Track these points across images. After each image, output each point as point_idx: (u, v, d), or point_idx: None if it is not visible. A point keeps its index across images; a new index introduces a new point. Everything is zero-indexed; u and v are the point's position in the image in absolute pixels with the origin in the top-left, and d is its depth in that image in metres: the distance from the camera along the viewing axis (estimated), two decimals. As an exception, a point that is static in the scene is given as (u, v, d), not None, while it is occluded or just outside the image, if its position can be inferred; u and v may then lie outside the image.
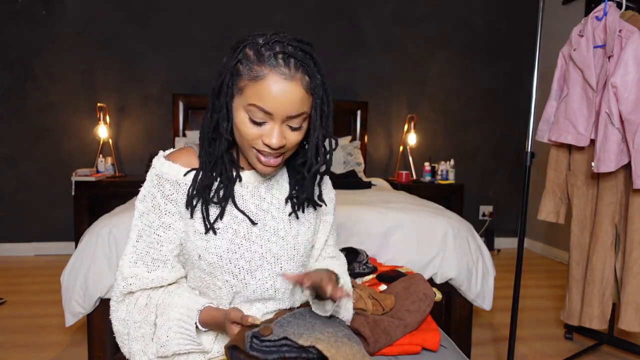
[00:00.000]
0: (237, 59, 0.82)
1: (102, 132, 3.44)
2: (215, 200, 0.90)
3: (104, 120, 3.47)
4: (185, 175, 0.90)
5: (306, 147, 0.95)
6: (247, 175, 0.95)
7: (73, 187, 3.18)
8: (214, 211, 0.91)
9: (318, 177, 0.98)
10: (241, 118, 0.84)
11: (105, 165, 3.44)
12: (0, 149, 3.46)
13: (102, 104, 3.47)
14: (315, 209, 1.03)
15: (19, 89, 3.45)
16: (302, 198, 0.96)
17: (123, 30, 3.54)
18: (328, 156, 0.92)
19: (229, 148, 0.91)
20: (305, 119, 0.86)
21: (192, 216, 0.90)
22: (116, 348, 1.70)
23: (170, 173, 0.90)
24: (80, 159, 3.53)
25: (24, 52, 3.42)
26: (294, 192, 0.98)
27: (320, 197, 1.01)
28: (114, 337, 1.56)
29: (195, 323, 0.87)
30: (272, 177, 0.98)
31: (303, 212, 1.00)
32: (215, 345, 0.93)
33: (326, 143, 0.91)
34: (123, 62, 3.57)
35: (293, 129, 0.85)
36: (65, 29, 3.47)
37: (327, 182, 1.09)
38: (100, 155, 3.49)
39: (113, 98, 3.57)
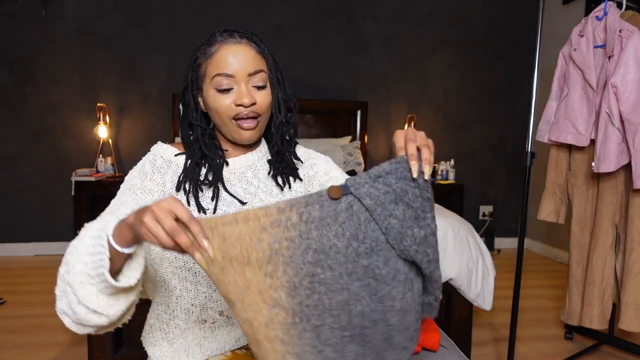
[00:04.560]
0: (194, 56, 0.93)
1: (102, 132, 3.44)
2: (206, 182, 0.94)
3: (104, 120, 3.47)
4: (176, 155, 0.96)
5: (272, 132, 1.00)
6: (233, 160, 0.99)
7: (73, 187, 3.18)
8: (203, 195, 0.94)
9: (291, 147, 1.02)
10: (211, 96, 0.91)
11: (105, 165, 3.44)
12: (0, 149, 3.46)
13: (102, 104, 3.47)
14: (302, 180, 1.03)
15: (19, 89, 3.45)
16: (282, 156, 0.99)
17: (123, 31, 3.54)
18: (291, 115, 0.99)
19: (211, 137, 0.97)
20: (266, 80, 0.93)
21: (187, 202, 0.92)
22: (116, 348, 1.69)
23: (166, 152, 0.98)
24: (80, 159, 3.53)
25: (24, 52, 3.42)
26: (274, 160, 1.01)
27: (296, 169, 1.03)
28: (114, 337, 1.55)
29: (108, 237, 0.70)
30: (257, 162, 1.01)
31: (289, 185, 1.00)
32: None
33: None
34: (123, 62, 3.57)
35: (259, 88, 0.92)
36: (65, 29, 3.46)
37: (302, 150, 1.09)
38: (100, 155, 3.49)
39: (113, 98, 3.57)
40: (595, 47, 1.83)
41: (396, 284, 0.69)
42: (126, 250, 0.70)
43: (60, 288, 0.72)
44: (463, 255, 1.86)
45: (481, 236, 2.40)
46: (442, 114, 4.05)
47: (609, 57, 1.77)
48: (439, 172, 3.79)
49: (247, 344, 0.98)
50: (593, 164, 1.82)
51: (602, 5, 1.81)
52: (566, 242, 2.10)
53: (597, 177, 1.92)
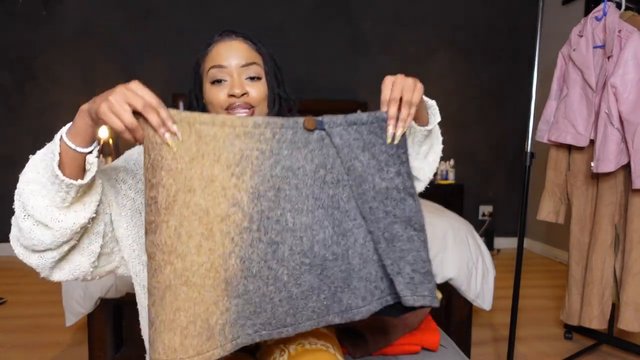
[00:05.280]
0: (196, 58, 0.97)
1: (102, 132, 3.44)
2: None
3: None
4: None
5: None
6: None
7: (73, 187, 3.18)
8: None
9: None
10: (207, 89, 0.93)
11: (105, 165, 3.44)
12: (0, 149, 3.46)
13: (102, 104, 3.47)
14: None
15: (19, 89, 3.45)
16: None
17: (123, 30, 3.54)
18: (290, 114, 1.00)
19: None
20: (260, 72, 0.94)
21: None
22: (117, 348, 1.70)
23: None
24: (80, 159, 3.54)
25: (24, 52, 3.43)
26: None
27: None
28: (115, 337, 1.54)
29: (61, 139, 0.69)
30: None
31: None
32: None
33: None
34: (123, 62, 3.57)
35: (252, 80, 0.93)
36: (65, 29, 3.47)
37: None
38: (101, 156, 3.49)
39: (113, 98, 3.57)
40: (595, 47, 1.83)
41: (358, 225, 0.73)
42: (79, 149, 0.68)
43: (15, 212, 0.73)
44: (463, 255, 1.86)
45: (481, 236, 2.40)
46: (442, 114, 4.02)
47: (608, 58, 1.77)
48: (439, 172, 3.79)
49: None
50: (592, 164, 1.82)
51: (601, 6, 1.81)
52: (566, 242, 2.11)
53: (597, 177, 1.92)
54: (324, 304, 0.71)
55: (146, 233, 0.66)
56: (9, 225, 0.79)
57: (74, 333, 2.18)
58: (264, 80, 0.95)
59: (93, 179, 0.74)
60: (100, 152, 3.50)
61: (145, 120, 0.64)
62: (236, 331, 0.68)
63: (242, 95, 0.91)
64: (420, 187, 1.08)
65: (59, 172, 0.67)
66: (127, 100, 0.65)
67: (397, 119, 0.75)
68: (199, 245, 0.65)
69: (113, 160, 3.48)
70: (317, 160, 0.72)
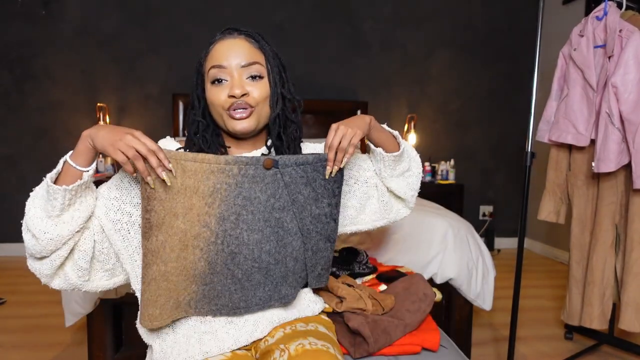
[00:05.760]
0: (199, 57, 0.97)
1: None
2: None
3: (104, 120, 3.47)
4: (177, 149, 0.96)
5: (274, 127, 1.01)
6: (234, 152, 1.02)
7: (73, 187, 3.18)
8: None
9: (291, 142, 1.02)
10: (208, 89, 0.94)
11: (105, 166, 3.44)
12: (0, 149, 3.46)
13: (102, 104, 3.47)
14: None
15: (19, 89, 3.45)
16: (278, 152, 1.00)
17: (123, 30, 3.54)
18: (295, 115, 1.01)
19: (214, 134, 0.99)
20: (263, 71, 0.94)
21: None
22: (116, 348, 1.70)
23: (168, 145, 0.99)
24: (80, 159, 3.53)
25: (24, 52, 3.43)
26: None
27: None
28: (114, 337, 1.55)
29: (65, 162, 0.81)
30: None
31: None
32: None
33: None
34: (123, 62, 3.57)
35: (253, 79, 0.93)
36: (65, 29, 3.47)
37: (310, 147, 1.09)
38: (100, 155, 3.49)
39: (113, 98, 3.57)
40: (595, 47, 1.83)
41: (297, 238, 0.96)
42: (79, 168, 0.80)
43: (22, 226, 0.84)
44: (463, 255, 1.86)
45: (481, 236, 2.40)
46: (442, 114, 4.05)
47: (609, 57, 1.77)
48: (439, 172, 3.79)
49: (246, 345, 0.98)
50: (593, 164, 1.82)
51: (602, 5, 1.81)
52: (566, 242, 2.11)
53: (597, 177, 1.92)
54: (267, 294, 0.96)
55: (142, 237, 0.86)
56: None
57: (74, 333, 2.18)
58: (266, 79, 0.94)
59: (87, 197, 0.85)
60: (100, 152, 3.50)
61: (146, 161, 0.79)
62: (201, 305, 0.93)
63: (243, 95, 0.91)
64: (404, 206, 1.15)
65: (49, 181, 0.79)
66: (131, 144, 0.77)
67: (334, 160, 0.93)
68: (177, 256, 0.87)
69: (113, 160, 3.48)
70: (270, 191, 0.92)
